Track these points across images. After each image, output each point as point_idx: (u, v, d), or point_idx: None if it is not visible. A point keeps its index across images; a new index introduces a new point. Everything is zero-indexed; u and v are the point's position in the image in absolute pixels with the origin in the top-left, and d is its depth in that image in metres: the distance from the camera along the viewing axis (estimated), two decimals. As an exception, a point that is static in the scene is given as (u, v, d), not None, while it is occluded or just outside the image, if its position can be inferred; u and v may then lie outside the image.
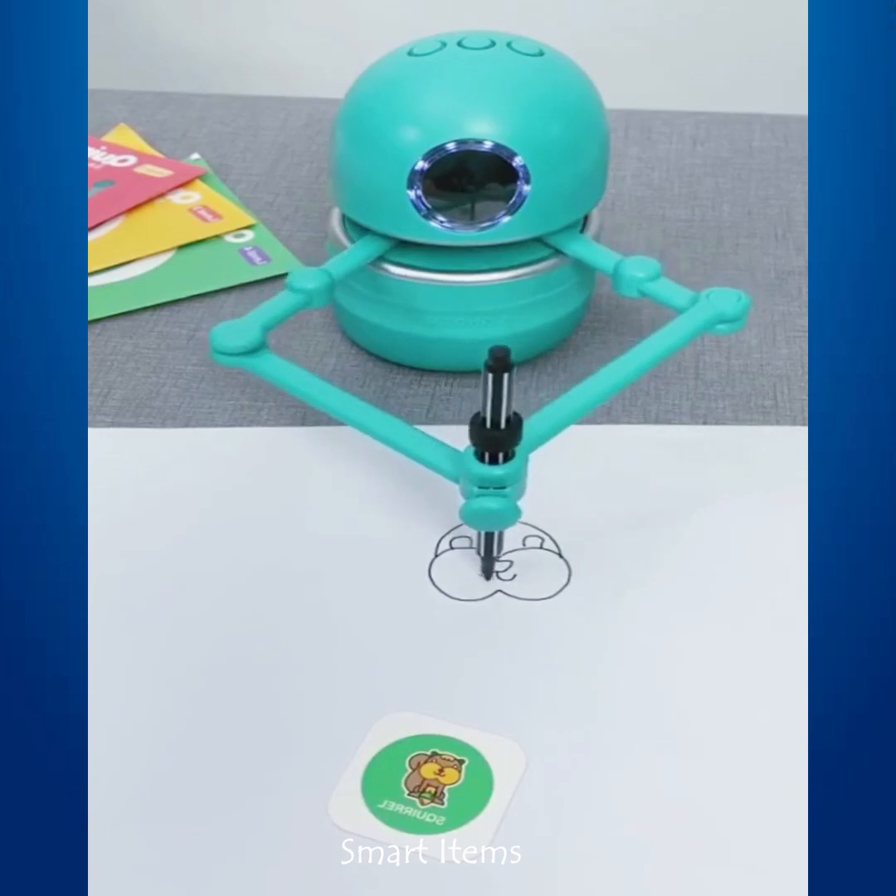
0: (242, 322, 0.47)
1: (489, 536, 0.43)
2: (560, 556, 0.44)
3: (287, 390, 0.47)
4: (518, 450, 0.41)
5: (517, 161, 0.48)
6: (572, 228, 0.51)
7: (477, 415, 0.40)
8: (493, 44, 0.49)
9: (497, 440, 0.40)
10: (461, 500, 0.42)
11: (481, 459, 0.41)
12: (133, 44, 1.17)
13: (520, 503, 0.42)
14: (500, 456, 0.41)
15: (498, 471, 0.41)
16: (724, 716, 0.39)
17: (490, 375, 0.39)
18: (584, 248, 0.51)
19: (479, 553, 0.43)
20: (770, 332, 0.55)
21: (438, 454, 0.43)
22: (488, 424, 0.40)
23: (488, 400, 0.39)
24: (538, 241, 0.51)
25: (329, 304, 0.51)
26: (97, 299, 0.56)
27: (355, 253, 0.50)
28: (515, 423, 0.41)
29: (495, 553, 0.43)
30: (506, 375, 0.39)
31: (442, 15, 0.80)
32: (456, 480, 0.42)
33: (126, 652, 0.41)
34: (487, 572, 0.44)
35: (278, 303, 0.48)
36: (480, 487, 0.41)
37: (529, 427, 0.42)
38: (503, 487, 0.41)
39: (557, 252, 0.51)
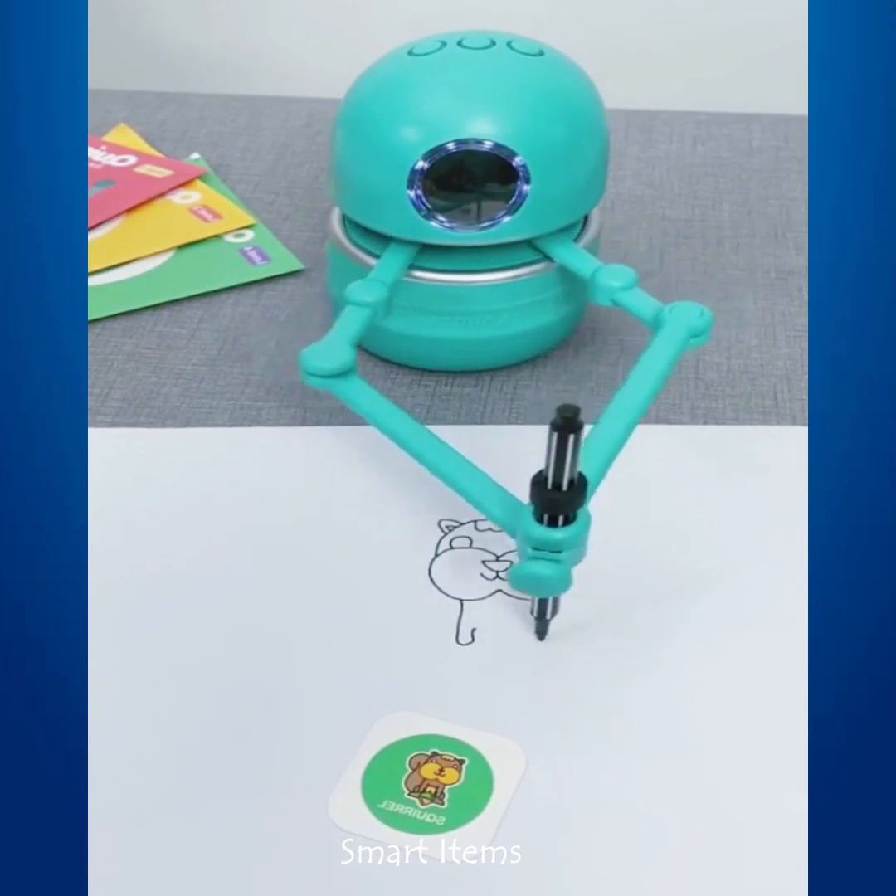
0: (329, 342, 0.46)
1: (543, 600, 0.41)
2: (560, 556, 0.44)
3: (365, 418, 0.45)
4: (580, 513, 0.39)
5: (517, 161, 0.48)
6: (559, 233, 0.51)
7: (539, 473, 0.38)
8: (493, 44, 0.49)
9: (558, 502, 0.38)
10: (463, 502, 0.41)
11: (540, 520, 0.39)
12: (133, 44, 1.17)
13: (585, 551, 0.40)
14: (560, 519, 0.39)
15: (557, 534, 0.39)
16: (723, 715, 0.39)
17: (555, 435, 0.37)
18: (568, 252, 0.51)
19: (531, 613, 0.41)
20: (770, 332, 0.55)
21: (497, 504, 0.42)
22: (550, 485, 0.38)
23: (552, 459, 0.37)
24: (527, 244, 0.50)
25: (336, 307, 0.50)
26: (97, 299, 0.56)
27: (391, 262, 0.50)
28: (579, 484, 0.38)
29: (549, 616, 0.41)
30: (572, 437, 0.37)
31: (442, 15, 0.79)
32: (512, 534, 0.41)
33: (126, 652, 0.41)
34: (541, 634, 0.42)
35: (353, 319, 0.47)
36: (535, 549, 0.39)
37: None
38: (559, 551, 0.39)
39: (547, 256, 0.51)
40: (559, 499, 0.38)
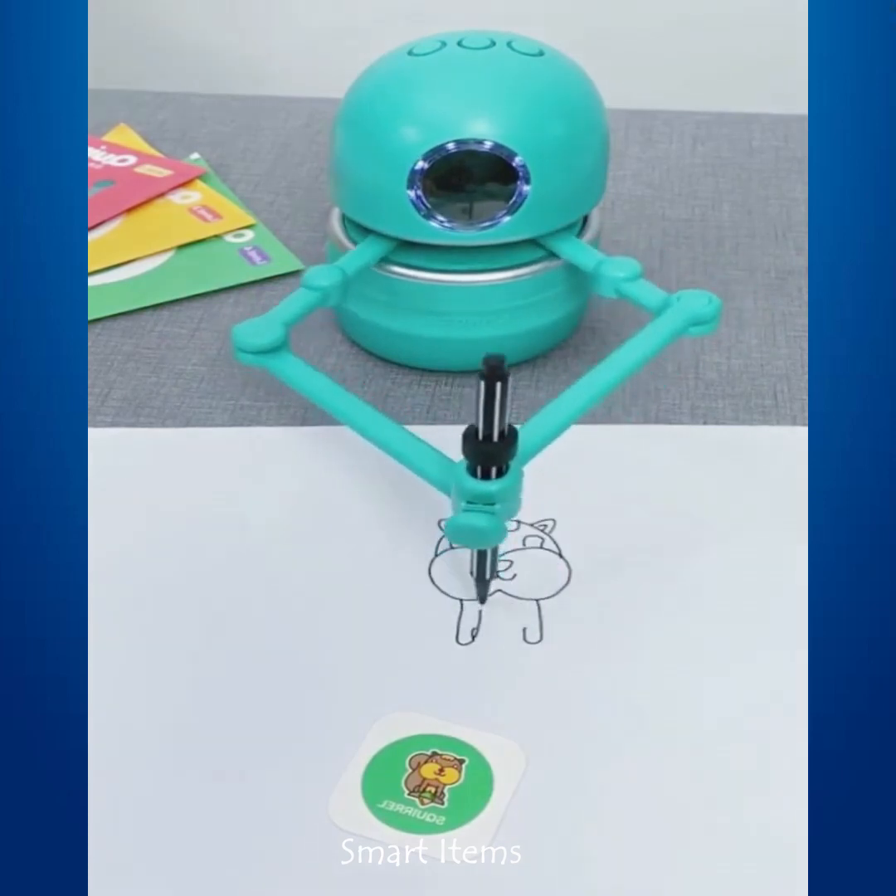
0: (264, 320, 0.47)
1: (481, 556, 0.41)
2: (560, 556, 0.44)
3: (298, 391, 0.47)
4: (512, 465, 0.39)
5: (517, 161, 0.48)
6: (564, 229, 0.51)
7: (471, 426, 0.39)
8: (492, 44, 0.49)
9: (489, 454, 0.38)
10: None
11: (473, 474, 0.39)
12: (133, 44, 1.17)
13: (520, 504, 0.41)
14: (493, 471, 0.39)
15: (490, 486, 0.39)
16: (723, 715, 0.39)
17: (483, 384, 0.37)
18: (572, 247, 0.51)
19: (471, 574, 0.42)
20: (770, 332, 0.55)
21: (431, 464, 0.42)
22: (481, 437, 0.38)
23: (481, 410, 0.37)
24: (531, 241, 0.50)
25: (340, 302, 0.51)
26: (97, 299, 0.56)
27: (364, 251, 0.50)
28: (510, 436, 0.39)
29: (488, 575, 0.42)
30: (499, 384, 0.37)
31: (442, 15, 0.79)
32: (447, 492, 0.41)
33: (126, 651, 0.41)
34: (481, 597, 0.42)
35: (296, 301, 0.48)
36: (469, 502, 0.39)
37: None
38: (492, 504, 0.39)
39: (549, 252, 0.51)
40: (490, 450, 0.38)
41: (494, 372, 0.37)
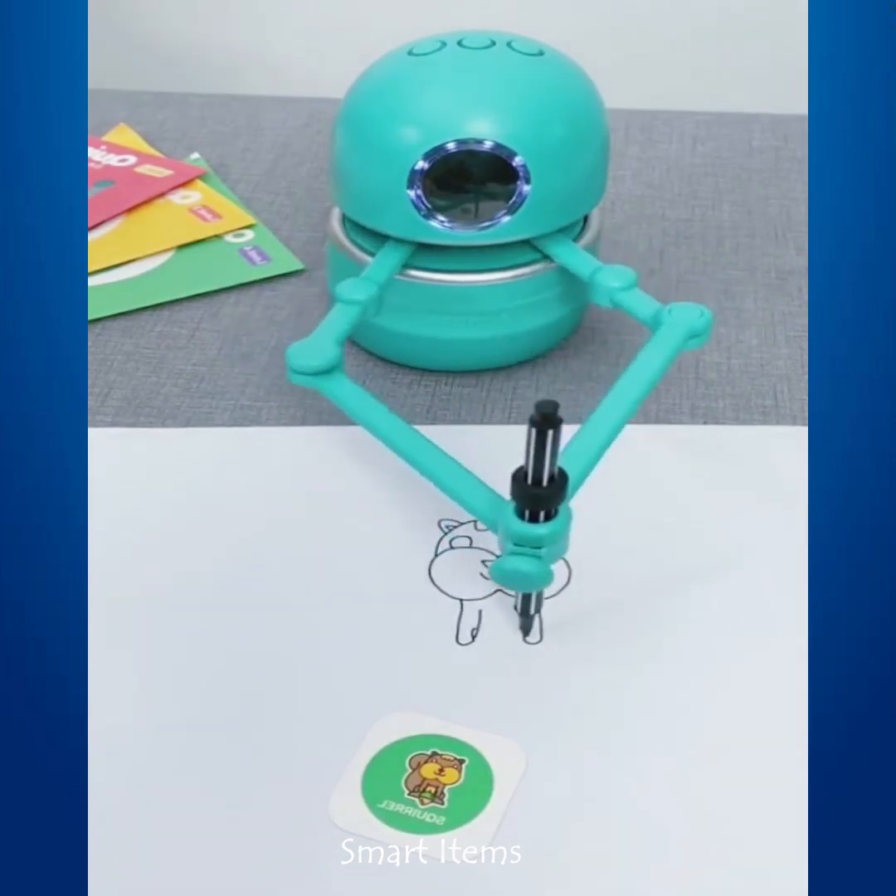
0: (315, 339, 0.46)
1: (526, 596, 0.41)
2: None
3: (350, 415, 0.46)
4: (561, 508, 0.39)
5: (517, 161, 0.48)
6: (558, 233, 0.51)
7: (520, 469, 0.38)
8: (492, 44, 0.49)
9: (538, 498, 0.38)
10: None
11: (521, 516, 0.39)
12: (133, 44, 1.17)
13: (567, 545, 0.40)
14: (541, 515, 0.39)
15: (538, 530, 0.39)
16: (723, 715, 0.39)
17: (534, 432, 0.37)
18: (568, 252, 0.51)
19: (515, 609, 0.42)
20: (770, 332, 0.55)
21: (481, 500, 0.42)
22: (530, 481, 0.38)
23: (532, 456, 0.37)
24: (527, 244, 0.50)
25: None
26: (97, 299, 0.56)
27: (385, 260, 0.50)
28: (560, 480, 0.38)
29: (532, 611, 0.41)
30: (551, 433, 0.36)
31: (442, 15, 0.79)
32: (495, 530, 0.41)
33: (126, 651, 0.41)
34: (525, 630, 0.42)
35: (340, 317, 0.48)
36: (516, 544, 0.39)
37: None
38: (540, 547, 0.39)
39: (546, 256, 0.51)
40: (539, 495, 0.38)
41: (547, 420, 0.36)
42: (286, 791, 0.37)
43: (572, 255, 0.51)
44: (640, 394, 0.45)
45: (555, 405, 0.36)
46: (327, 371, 0.46)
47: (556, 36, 0.55)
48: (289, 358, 0.46)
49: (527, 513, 0.39)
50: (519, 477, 0.38)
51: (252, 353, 0.54)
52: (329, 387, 0.46)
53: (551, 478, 0.38)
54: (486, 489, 0.42)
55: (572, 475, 0.39)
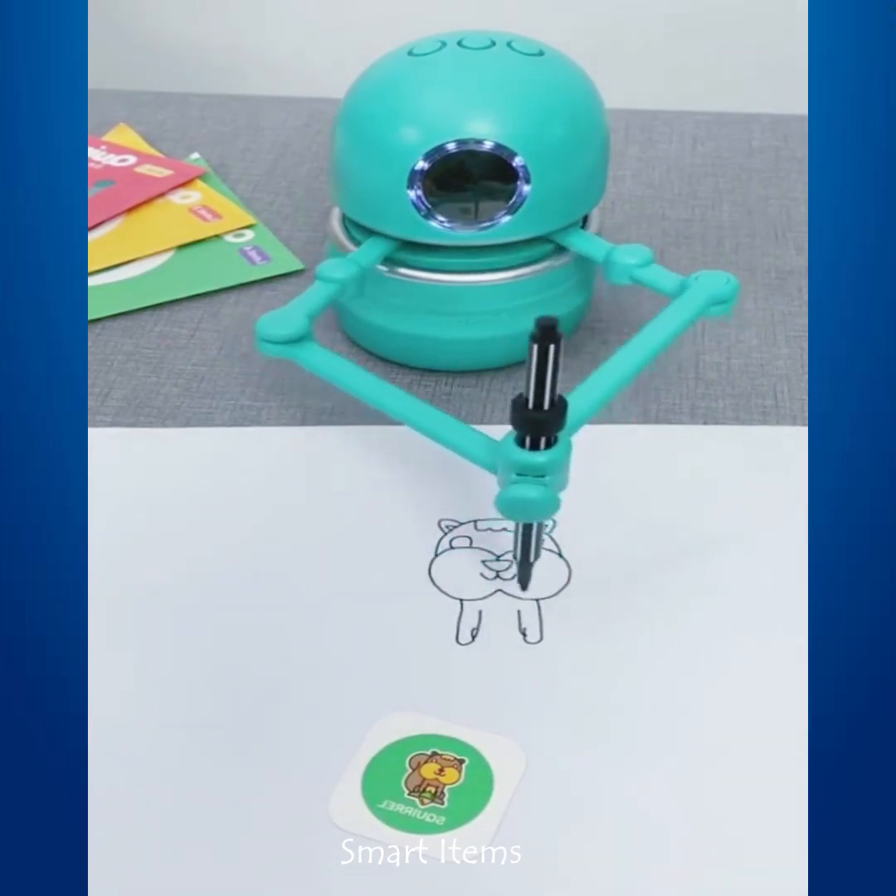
0: (286, 311, 0.47)
1: (527, 536, 0.40)
2: (560, 556, 0.44)
3: (329, 380, 0.46)
4: (561, 435, 0.38)
5: (517, 161, 0.48)
6: (571, 225, 0.51)
7: (519, 396, 0.38)
8: (493, 44, 0.49)
9: (540, 423, 0.37)
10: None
11: (522, 445, 0.38)
12: (133, 44, 1.17)
13: (568, 478, 0.40)
14: (543, 441, 0.38)
15: (540, 457, 0.38)
16: (723, 716, 0.39)
17: (535, 347, 0.35)
18: (580, 239, 0.51)
19: (514, 558, 0.42)
20: (770, 332, 0.55)
21: (475, 443, 0.42)
22: (531, 405, 0.37)
23: (533, 376, 0.36)
24: (536, 236, 0.51)
25: (336, 307, 0.50)
26: (97, 299, 0.56)
27: (371, 248, 0.50)
28: (560, 404, 0.38)
29: (532, 557, 0.41)
30: (552, 347, 0.35)
31: (442, 15, 0.80)
32: (493, 470, 0.40)
33: (126, 651, 0.41)
34: (524, 581, 0.41)
35: (315, 293, 0.48)
36: (519, 474, 0.38)
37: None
38: (543, 475, 0.38)
39: (556, 249, 0.51)
40: (541, 419, 0.37)
41: (547, 334, 0.35)
42: (286, 791, 0.37)
43: (584, 241, 0.51)
44: (653, 350, 0.45)
45: (554, 320, 0.35)
46: (296, 340, 0.46)
47: (556, 36, 0.55)
48: (258, 328, 0.46)
49: (527, 440, 0.38)
50: (519, 403, 0.38)
51: (252, 353, 0.54)
52: (302, 355, 0.46)
53: (552, 402, 0.37)
54: (480, 434, 0.42)
55: (576, 412, 0.39)
